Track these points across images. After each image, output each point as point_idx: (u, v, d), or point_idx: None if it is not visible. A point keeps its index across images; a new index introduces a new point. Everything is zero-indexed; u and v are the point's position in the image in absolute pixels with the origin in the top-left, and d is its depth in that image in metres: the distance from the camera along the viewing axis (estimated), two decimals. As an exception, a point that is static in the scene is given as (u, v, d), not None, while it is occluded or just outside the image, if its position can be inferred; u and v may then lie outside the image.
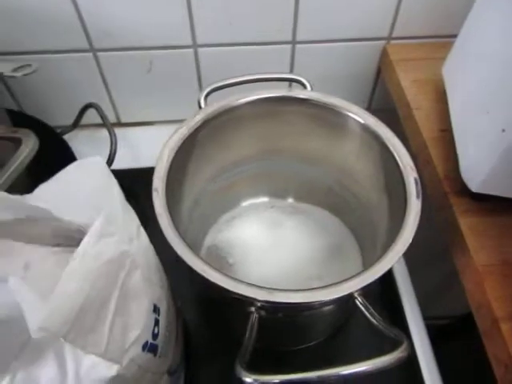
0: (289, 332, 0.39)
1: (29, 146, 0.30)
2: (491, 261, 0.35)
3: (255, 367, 0.28)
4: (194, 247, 0.45)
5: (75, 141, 0.53)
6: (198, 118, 0.38)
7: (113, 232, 0.23)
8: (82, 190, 0.23)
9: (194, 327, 0.43)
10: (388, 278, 0.47)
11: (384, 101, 0.58)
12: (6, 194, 0.23)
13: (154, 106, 0.57)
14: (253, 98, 0.39)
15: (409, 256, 0.52)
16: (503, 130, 0.33)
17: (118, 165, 0.52)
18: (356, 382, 0.41)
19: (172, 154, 0.36)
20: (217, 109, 0.38)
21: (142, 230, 0.29)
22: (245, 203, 0.49)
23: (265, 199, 0.49)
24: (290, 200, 0.49)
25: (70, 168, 0.24)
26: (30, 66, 0.32)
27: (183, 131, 0.37)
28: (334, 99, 0.39)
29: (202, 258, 0.29)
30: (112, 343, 0.24)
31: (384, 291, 0.46)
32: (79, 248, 0.20)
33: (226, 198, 0.47)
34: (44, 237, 0.24)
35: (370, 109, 0.60)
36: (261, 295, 0.28)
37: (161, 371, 0.31)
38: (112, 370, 0.24)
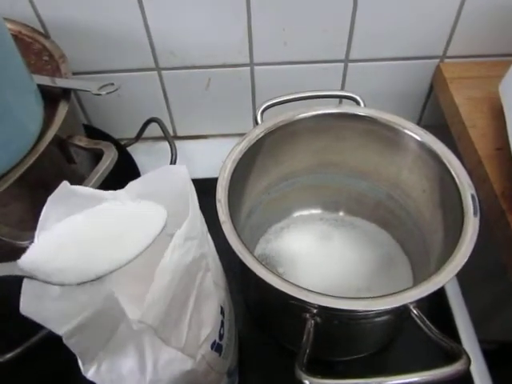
0: (341, 342, 0.40)
1: (110, 156, 0.33)
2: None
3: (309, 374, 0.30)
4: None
5: (137, 152, 0.57)
6: (258, 131, 0.40)
7: (194, 236, 0.25)
8: (167, 194, 0.26)
9: (245, 333, 0.44)
10: (438, 294, 0.47)
11: (434, 118, 0.59)
12: (99, 191, 0.26)
13: (209, 120, 0.61)
14: (311, 113, 0.41)
15: (461, 274, 0.52)
16: None
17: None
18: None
19: (233, 166, 0.38)
20: (276, 123, 0.40)
21: (209, 235, 0.31)
22: (295, 214, 0.50)
23: (315, 211, 0.51)
24: (341, 213, 0.50)
25: (157, 172, 0.26)
26: (112, 84, 0.36)
27: (244, 144, 0.39)
28: (389, 116, 0.40)
29: (265, 266, 0.31)
30: (189, 339, 0.26)
31: (433, 308, 0.46)
32: (169, 247, 0.22)
33: (277, 209, 0.49)
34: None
35: (420, 125, 0.61)
36: (323, 301, 0.29)
37: (223, 371, 0.33)
38: (187, 364, 0.26)
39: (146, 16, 0.49)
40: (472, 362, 0.41)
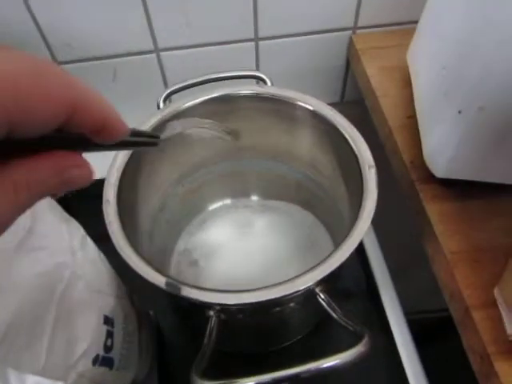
0: (258, 334, 0.38)
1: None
2: (461, 247, 0.34)
3: (225, 371, 0.28)
4: (165, 252, 0.44)
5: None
6: (153, 120, 0.37)
7: (43, 245, 0.23)
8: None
9: (169, 334, 0.42)
10: (366, 271, 0.46)
11: (356, 92, 0.57)
12: None
13: (122, 113, 0.56)
14: (203, 98, 0.38)
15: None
16: (459, 112, 0.32)
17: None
18: (336, 378, 0.40)
19: (125, 160, 0.35)
20: (170, 111, 0.38)
21: (88, 240, 0.28)
22: (215, 205, 0.48)
23: (234, 199, 0.49)
24: (258, 198, 0.49)
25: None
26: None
27: (137, 137, 0.36)
28: (289, 92, 0.38)
29: (147, 261, 0.28)
30: (53, 359, 0.23)
31: (361, 285, 0.46)
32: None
33: (194, 201, 0.47)
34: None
35: (343, 101, 0.59)
36: (210, 297, 0.27)
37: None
38: (54, 387, 0.23)
39: (30, 7, 0.44)
40: (398, 337, 0.41)
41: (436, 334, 0.61)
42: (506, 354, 0.29)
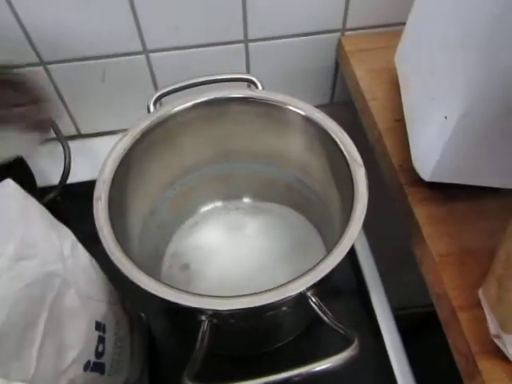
0: (250, 337, 0.38)
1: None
2: (449, 249, 0.35)
3: (217, 374, 0.28)
4: (156, 256, 0.44)
5: (34, 157, 0.52)
6: (143, 124, 0.37)
7: (34, 254, 0.22)
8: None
9: (160, 337, 0.42)
10: (355, 272, 0.47)
11: (346, 93, 0.58)
12: None
13: (113, 115, 0.57)
14: (194, 101, 0.38)
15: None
16: (445, 118, 0.32)
17: (78, 177, 0.51)
18: (325, 379, 0.41)
19: (116, 163, 0.35)
20: (161, 114, 0.38)
21: (79, 246, 0.28)
22: (206, 207, 0.48)
23: (225, 202, 0.49)
24: (250, 200, 0.49)
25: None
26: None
27: (127, 139, 0.36)
28: (279, 96, 0.38)
29: (137, 267, 0.28)
30: (43, 367, 0.23)
31: (351, 284, 0.46)
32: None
33: (186, 204, 0.47)
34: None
35: (333, 102, 0.60)
36: (202, 303, 0.27)
37: (113, 388, 0.30)
38: (44, 394, 0.23)
39: (11, 3, 0.44)
40: (387, 338, 0.42)
41: (422, 328, 0.62)
42: (489, 353, 0.30)
